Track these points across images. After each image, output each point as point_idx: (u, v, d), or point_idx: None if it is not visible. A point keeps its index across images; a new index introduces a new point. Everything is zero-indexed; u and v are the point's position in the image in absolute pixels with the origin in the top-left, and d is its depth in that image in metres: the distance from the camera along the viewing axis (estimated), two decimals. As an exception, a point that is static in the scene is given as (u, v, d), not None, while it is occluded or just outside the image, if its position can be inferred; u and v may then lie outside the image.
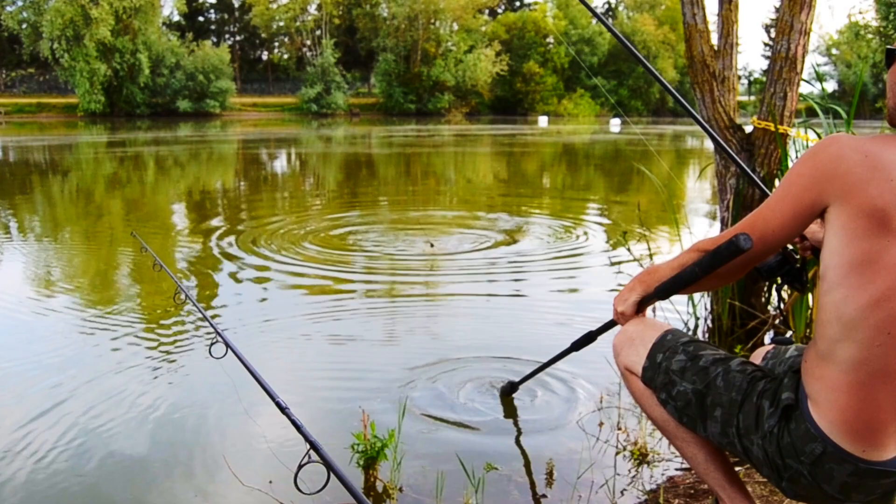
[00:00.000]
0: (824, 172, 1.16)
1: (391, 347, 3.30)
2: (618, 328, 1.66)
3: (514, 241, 5.94)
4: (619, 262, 4.92)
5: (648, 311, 1.63)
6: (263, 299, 4.14)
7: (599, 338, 2.00)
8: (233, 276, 4.72)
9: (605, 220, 7.34)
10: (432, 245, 4.88)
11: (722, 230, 3.25)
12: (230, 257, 5.26)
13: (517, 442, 2.39)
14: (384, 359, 3.14)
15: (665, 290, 1.48)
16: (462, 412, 2.58)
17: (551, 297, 4.18)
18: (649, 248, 3.25)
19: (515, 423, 2.53)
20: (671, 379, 1.46)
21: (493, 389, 2.76)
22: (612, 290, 4.35)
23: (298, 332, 3.54)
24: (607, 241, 6.01)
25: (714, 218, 7.17)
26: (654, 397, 1.52)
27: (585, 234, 6.47)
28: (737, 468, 1.63)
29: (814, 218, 1.21)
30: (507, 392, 2.68)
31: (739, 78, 3.25)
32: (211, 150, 18.57)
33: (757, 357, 1.62)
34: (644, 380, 1.51)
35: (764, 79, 3.19)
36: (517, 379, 2.64)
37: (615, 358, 1.62)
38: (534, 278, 4.61)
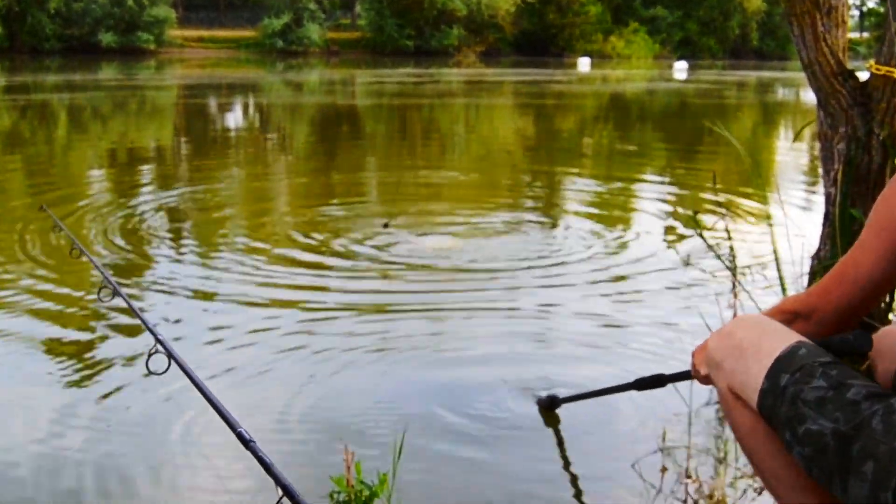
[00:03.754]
0: None
1: (383, 365, 3.29)
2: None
3: (545, 231, 5.91)
4: (688, 258, 4.90)
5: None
6: (215, 299, 4.15)
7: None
8: (174, 266, 4.74)
9: (669, 197, 7.31)
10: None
11: (826, 210, 3.21)
12: (170, 242, 5.27)
13: (550, 490, 2.37)
14: (374, 379, 3.13)
15: None
16: (477, 449, 2.58)
17: (594, 306, 4.12)
18: (729, 236, 3.20)
19: (548, 465, 2.51)
20: (800, 412, 1.38)
21: (516, 418, 2.78)
22: (676, 292, 4.32)
23: (261, 342, 3.53)
24: (671, 228, 5.98)
25: (814, 194, 7.12)
26: (771, 437, 1.47)
27: (640, 217, 6.46)
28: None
29: None
30: (546, 406, 2.78)
31: (850, 8, 3.22)
32: (143, 100, 18.57)
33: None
34: (761, 408, 1.46)
35: (881, 9, 3.14)
36: (561, 394, 2.73)
37: (711, 371, 1.59)
38: (569, 281, 4.57)
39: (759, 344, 1.49)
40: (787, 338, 1.49)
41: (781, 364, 1.44)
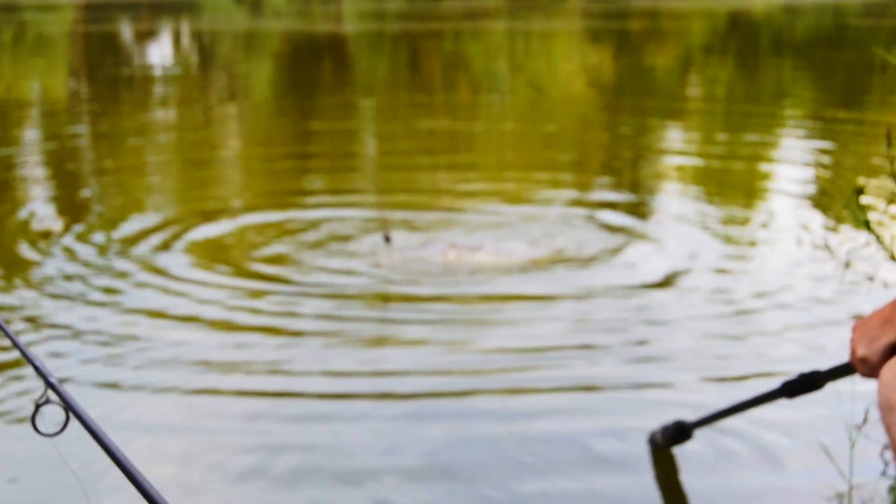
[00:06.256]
0: None
1: (385, 407, 3.24)
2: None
3: (632, 218, 5.76)
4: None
5: None
6: (132, 326, 4.08)
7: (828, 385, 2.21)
8: (68, 285, 4.65)
9: (817, 164, 7.22)
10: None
11: None
12: (64, 251, 5.17)
13: None
14: (379, 428, 3.06)
15: None
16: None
17: (710, 318, 4.06)
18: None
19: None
20: None
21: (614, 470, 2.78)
22: (824, 296, 4.23)
23: (203, 392, 3.47)
24: (820, 207, 5.85)
25: None
26: None
27: (774, 191, 6.43)
28: None
29: None
30: (671, 439, 2.81)
31: None
32: (21, 27, 18.58)
33: None
34: None
35: None
36: (691, 419, 2.74)
37: (884, 415, 1.66)
38: (673, 297, 4.47)
39: None
40: None
41: None
